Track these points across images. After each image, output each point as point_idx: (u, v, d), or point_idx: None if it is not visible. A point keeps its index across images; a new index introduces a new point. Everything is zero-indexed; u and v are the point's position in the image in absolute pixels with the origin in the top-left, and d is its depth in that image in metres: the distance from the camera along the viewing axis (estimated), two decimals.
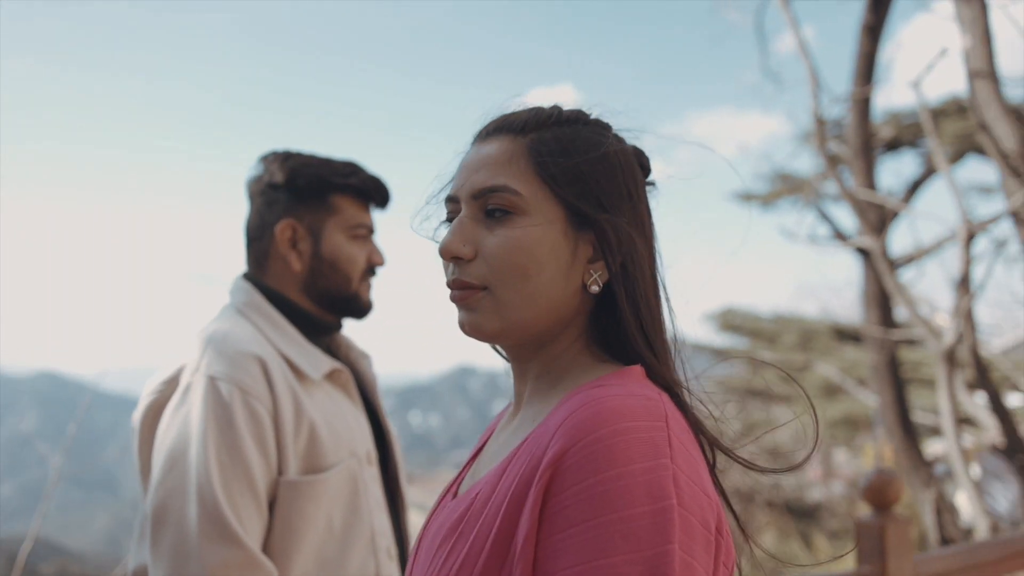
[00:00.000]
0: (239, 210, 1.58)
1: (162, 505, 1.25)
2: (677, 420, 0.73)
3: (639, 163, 0.87)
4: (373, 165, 1.55)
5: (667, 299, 0.84)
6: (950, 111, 9.63)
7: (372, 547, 1.41)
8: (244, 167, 1.55)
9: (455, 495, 0.87)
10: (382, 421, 1.57)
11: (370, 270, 1.51)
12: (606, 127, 0.87)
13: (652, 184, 0.89)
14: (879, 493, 1.82)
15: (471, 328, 0.81)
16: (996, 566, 2.04)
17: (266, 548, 1.30)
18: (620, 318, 0.80)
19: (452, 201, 0.85)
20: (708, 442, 0.80)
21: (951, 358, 3.85)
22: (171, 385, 1.34)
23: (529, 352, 0.84)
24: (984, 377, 4.12)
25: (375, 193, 1.51)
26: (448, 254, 0.81)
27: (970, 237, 4.01)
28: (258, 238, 1.49)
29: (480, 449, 0.95)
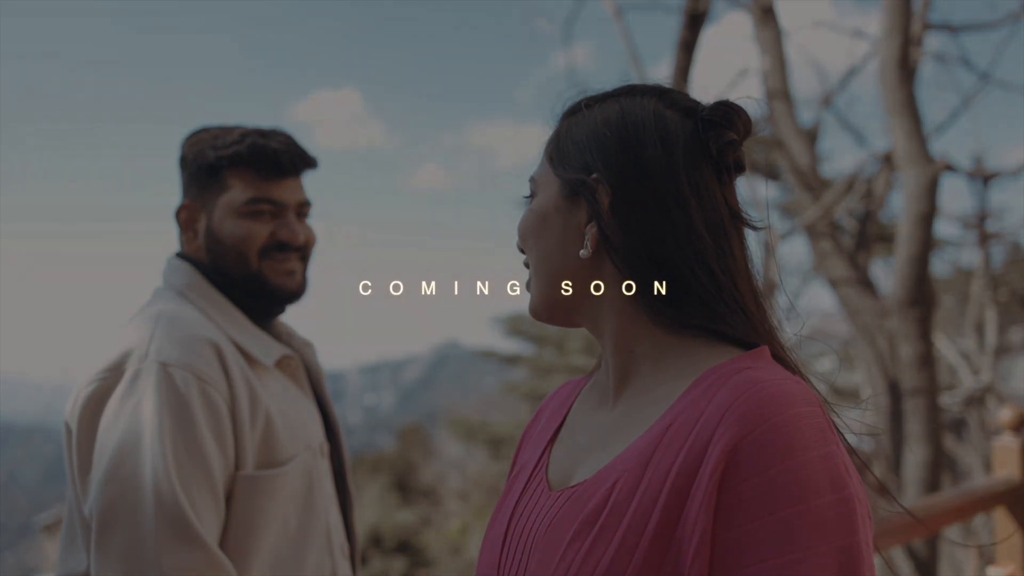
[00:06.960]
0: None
1: (111, 505, 1.13)
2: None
3: (700, 127, 0.78)
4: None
5: (720, 265, 0.76)
6: None
7: (328, 545, 1.34)
8: None
9: (547, 483, 0.82)
10: (330, 411, 1.48)
11: (277, 247, 1.35)
12: (640, 95, 0.81)
13: (720, 143, 0.78)
14: None
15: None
16: None
17: (222, 548, 1.19)
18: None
19: None
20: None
21: None
22: (115, 373, 1.20)
23: (590, 327, 0.83)
24: None
25: (267, 162, 1.33)
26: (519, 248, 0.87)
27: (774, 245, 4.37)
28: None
29: (558, 429, 0.89)
